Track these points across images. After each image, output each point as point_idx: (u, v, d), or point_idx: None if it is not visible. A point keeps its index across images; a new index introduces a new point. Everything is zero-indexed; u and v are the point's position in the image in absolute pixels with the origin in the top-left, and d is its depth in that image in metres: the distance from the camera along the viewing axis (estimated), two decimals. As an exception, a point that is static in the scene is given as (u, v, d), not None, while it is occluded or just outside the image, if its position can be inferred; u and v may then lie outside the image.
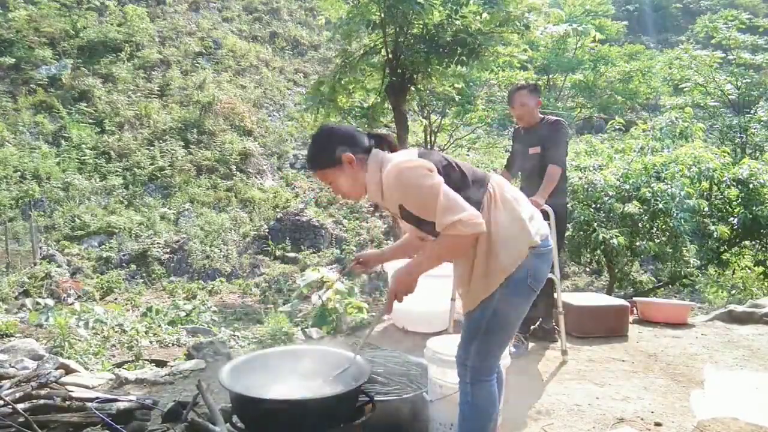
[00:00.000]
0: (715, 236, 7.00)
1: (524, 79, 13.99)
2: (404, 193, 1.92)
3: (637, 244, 6.70)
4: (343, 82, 7.34)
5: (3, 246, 9.99)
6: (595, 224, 6.70)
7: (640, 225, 6.82)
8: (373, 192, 2.06)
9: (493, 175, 2.08)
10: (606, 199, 6.82)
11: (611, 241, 6.28)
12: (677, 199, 6.56)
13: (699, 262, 7.37)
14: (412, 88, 7.57)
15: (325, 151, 2.03)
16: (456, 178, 1.95)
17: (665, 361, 3.90)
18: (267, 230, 13.12)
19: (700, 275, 8.15)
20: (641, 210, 6.62)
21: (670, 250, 6.91)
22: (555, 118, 4.04)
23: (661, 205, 6.56)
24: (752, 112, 14.41)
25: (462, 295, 2.09)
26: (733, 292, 8.48)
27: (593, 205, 6.92)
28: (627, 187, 6.92)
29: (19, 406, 2.40)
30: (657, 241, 6.88)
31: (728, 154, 8.19)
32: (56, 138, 13.02)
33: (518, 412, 2.97)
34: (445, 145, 14.30)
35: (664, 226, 6.97)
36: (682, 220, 6.49)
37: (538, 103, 3.97)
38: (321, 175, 2.08)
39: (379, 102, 7.91)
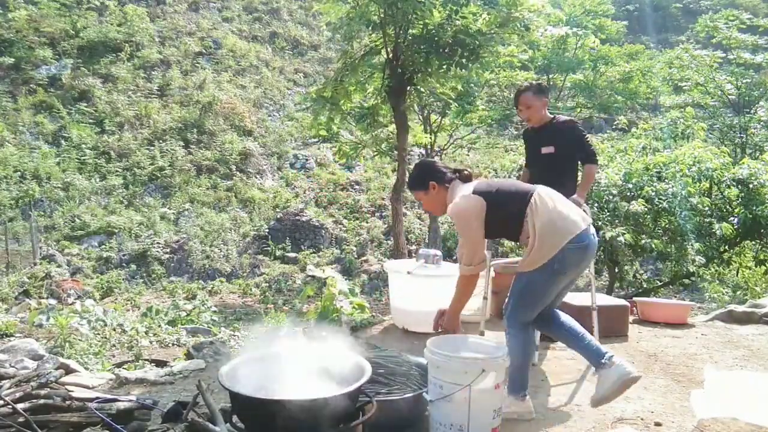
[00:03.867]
0: (718, 235, 6.99)
1: (525, 79, 14.01)
2: (455, 218, 2.76)
3: (643, 242, 6.70)
4: (344, 83, 7.33)
5: (3, 246, 10.00)
6: (600, 223, 6.71)
7: (643, 224, 6.82)
8: (431, 205, 2.92)
9: (538, 188, 2.76)
10: (610, 197, 6.82)
11: (618, 239, 6.27)
12: (679, 197, 6.57)
13: (703, 260, 7.38)
14: (412, 89, 7.57)
15: (420, 179, 2.88)
16: (500, 199, 2.70)
17: (665, 361, 3.90)
18: (267, 230, 13.12)
19: (703, 274, 8.15)
20: (646, 208, 6.62)
21: (673, 249, 6.91)
22: (567, 117, 4.01)
23: (665, 204, 6.56)
24: (752, 112, 14.42)
25: (519, 264, 2.83)
26: (738, 291, 8.48)
27: (597, 204, 6.92)
28: (630, 186, 6.92)
29: (19, 406, 2.40)
30: (661, 239, 6.89)
31: (728, 154, 8.20)
32: (56, 138, 13.02)
33: (518, 412, 2.97)
34: (445, 145, 14.30)
35: (667, 225, 6.97)
36: (687, 219, 6.50)
37: (544, 103, 3.92)
38: (414, 194, 2.96)
39: (379, 103, 7.91)
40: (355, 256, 13.03)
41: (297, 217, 13.47)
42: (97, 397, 2.75)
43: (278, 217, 13.44)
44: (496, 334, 4.23)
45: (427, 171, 2.87)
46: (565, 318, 2.89)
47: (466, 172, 2.89)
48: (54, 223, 11.19)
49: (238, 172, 14.47)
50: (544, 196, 2.70)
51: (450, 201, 2.77)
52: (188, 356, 4.18)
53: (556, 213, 2.64)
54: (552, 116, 3.95)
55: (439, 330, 2.90)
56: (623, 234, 6.29)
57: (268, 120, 16.73)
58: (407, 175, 8.85)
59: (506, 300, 2.86)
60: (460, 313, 2.86)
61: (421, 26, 6.79)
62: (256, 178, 14.72)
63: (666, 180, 7.00)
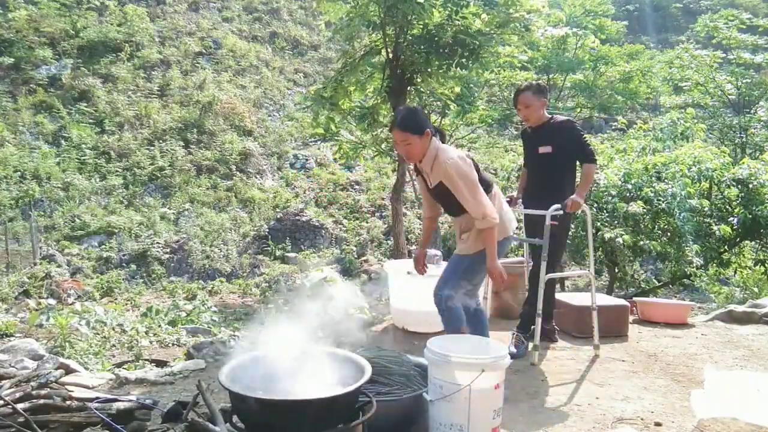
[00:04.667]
0: (717, 235, 6.99)
1: (525, 79, 14.00)
2: (458, 177, 2.85)
3: (641, 243, 6.70)
4: (344, 83, 7.32)
5: (3, 246, 9.99)
6: (599, 224, 6.71)
7: (642, 225, 6.81)
8: (427, 162, 2.96)
9: (495, 185, 3.16)
10: (609, 198, 6.82)
11: (616, 240, 6.28)
12: (678, 198, 6.57)
13: (701, 261, 7.38)
14: (412, 89, 7.57)
15: (419, 123, 2.91)
16: (480, 179, 2.97)
17: (665, 361, 3.90)
18: (267, 230, 13.11)
19: (704, 274, 8.14)
20: (644, 210, 6.62)
21: (673, 250, 6.91)
22: (564, 117, 4.01)
23: (663, 205, 6.56)
24: (752, 112, 14.43)
25: (461, 242, 3.16)
26: (736, 291, 8.48)
27: (596, 205, 6.92)
28: (629, 186, 6.91)
29: (19, 406, 2.40)
30: (659, 240, 6.89)
31: (728, 154, 8.19)
32: (56, 138, 13.02)
33: (518, 412, 2.97)
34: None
35: (666, 226, 6.97)
36: (685, 220, 6.50)
37: (543, 103, 3.92)
38: (404, 136, 2.90)
39: (379, 103, 7.90)
40: (355, 256, 13.03)
41: (297, 217, 13.47)
42: (97, 397, 2.75)
43: (278, 217, 13.44)
44: (496, 334, 4.23)
45: (425, 118, 3.00)
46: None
47: (443, 133, 3.13)
48: (54, 223, 11.19)
49: (238, 172, 14.47)
50: (499, 193, 3.19)
51: (432, 154, 2.93)
52: (188, 356, 4.18)
53: (504, 210, 3.13)
54: (550, 116, 3.95)
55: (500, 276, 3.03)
56: (622, 235, 6.29)
57: (268, 120, 16.73)
58: (407, 175, 8.86)
59: (440, 280, 3.13)
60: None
61: (421, 26, 6.79)
62: (256, 178, 14.72)
63: (666, 180, 7.00)
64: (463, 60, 6.77)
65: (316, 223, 13.50)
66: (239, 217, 13.21)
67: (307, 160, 16.02)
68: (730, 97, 15.38)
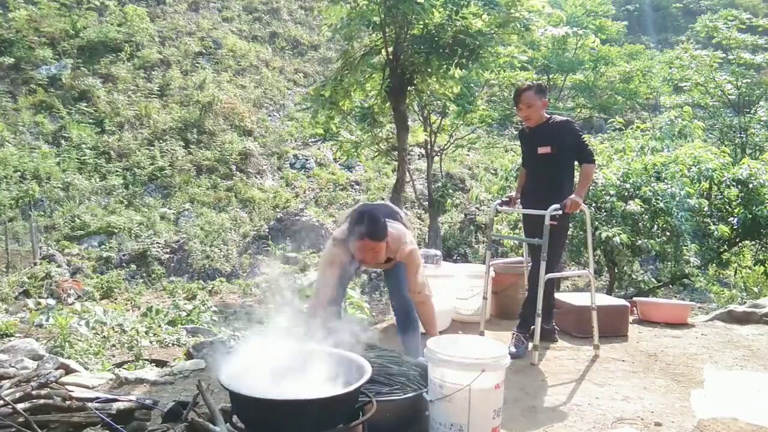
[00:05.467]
0: (715, 236, 6.99)
1: (525, 79, 13.99)
2: (418, 263, 3.17)
3: (639, 243, 6.70)
4: (344, 83, 7.32)
5: (3, 246, 9.99)
6: (597, 223, 6.71)
7: (640, 224, 6.81)
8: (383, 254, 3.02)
9: None
10: (607, 198, 6.82)
11: (614, 239, 6.28)
12: (677, 198, 6.56)
13: (699, 261, 7.37)
14: (412, 89, 7.57)
15: (384, 229, 2.92)
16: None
17: (665, 361, 3.90)
18: (267, 230, 13.11)
19: (701, 275, 8.14)
20: (643, 209, 6.62)
21: (671, 250, 6.91)
22: (563, 117, 4.01)
23: (661, 205, 6.56)
24: (752, 112, 14.42)
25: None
26: (734, 291, 8.48)
27: (594, 204, 6.92)
28: (628, 186, 6.91)
29: (19, 406, 2.40)
30: (658, 240, 6.89)
31: (728, 154, 8.19)
32: (56, 138, 13.01)
33: (518, 412, 2.97)
34: (445, 145, 14.30)
35: (664, 225, 6.97)
36: (684, 220, 6.50)
37: (544, 103, 3.92)
38: (377, 245, 2.91)
39: (379, 102, 7.90)
40: (355, 256, 13.01)
41: (297, 217, 13.47)
42: (97, 397, 2.75)
43: (278, 217, 13.44)
44: (496, 334, 4.24)
45: (384, 219, 3.01)
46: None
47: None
48: (54, 223, 11.18)
49: (238, 172, 14.46)
50: None
51: (389, 247, 3.01)
52: (188, 356, 4.18)
53: None
54: (549, 116, 3.95)
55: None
56: (619, 234, 6.29)
57: (268, 120, 16.72)
58: (407, 175, 8.87)
59: (401, 287, 3.25)
60: None
61: (421, 26, 6.79)
62: (256, 178, 14.71)
63: (665, 180, 7.00)
64: (463, 60, 6.77)
65: (316, 223, 13.50)
66: (239, 217, 13.20)
67: (307, 160, 16.02)
68: (730, 97, 15.37)
